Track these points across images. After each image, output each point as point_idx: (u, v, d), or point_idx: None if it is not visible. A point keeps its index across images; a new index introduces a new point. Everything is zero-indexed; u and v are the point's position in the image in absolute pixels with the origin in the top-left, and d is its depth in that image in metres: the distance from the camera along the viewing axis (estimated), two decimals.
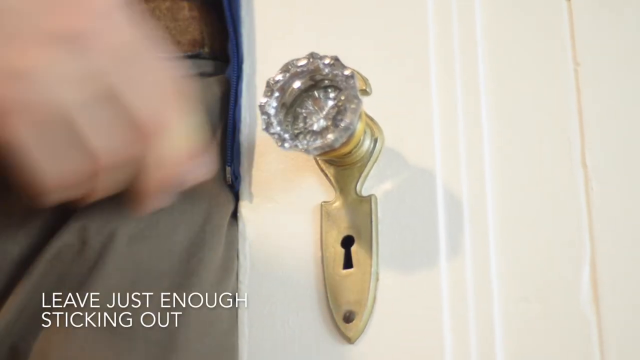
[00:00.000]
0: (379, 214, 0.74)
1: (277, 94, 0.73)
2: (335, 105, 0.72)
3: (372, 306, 0.72)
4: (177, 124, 0.66)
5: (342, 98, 0.71)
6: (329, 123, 0.72)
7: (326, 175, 0.76)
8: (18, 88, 0.60)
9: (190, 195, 0.76)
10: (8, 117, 0.61)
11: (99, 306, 0.70)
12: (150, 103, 0.63)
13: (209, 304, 0.73)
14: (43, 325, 0.71)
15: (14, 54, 0.60)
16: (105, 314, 0.70)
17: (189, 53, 0.81)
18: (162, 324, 0.71)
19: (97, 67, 0.61)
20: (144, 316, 0.71)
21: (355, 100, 0.70)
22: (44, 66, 0.60)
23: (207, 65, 0.82)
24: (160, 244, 0.73)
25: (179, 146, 0.67)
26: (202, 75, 0.81)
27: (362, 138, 0.74)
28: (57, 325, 0.70)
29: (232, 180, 0.78)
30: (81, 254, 0.72)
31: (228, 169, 0.78)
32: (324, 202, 0.75)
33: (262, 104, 0.72)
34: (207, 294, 0.73)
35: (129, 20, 0.63)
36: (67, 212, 0.74)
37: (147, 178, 0.66)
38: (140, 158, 0.65)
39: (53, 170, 0.63)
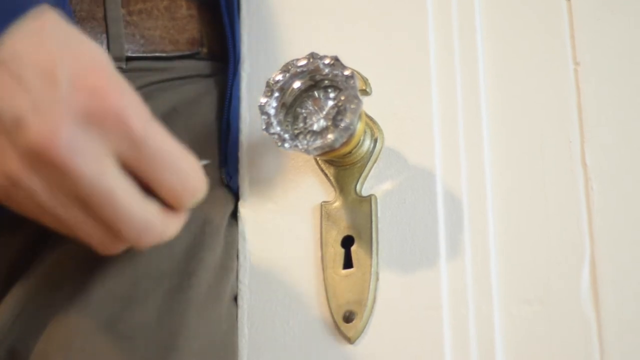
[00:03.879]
0: (379, 214, 0.74)
1: (277, 94, 0.73)
2: (335, 105, 0.72)
3: (372, 306, 0.72)
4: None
5: (342, 98, 0.71)
6: (329, 123, 0.72)
7: (326, 175, 0.76)
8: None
9: None
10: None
11: (98, 308, 0.70)
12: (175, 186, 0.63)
13: (208, 304, 0.73)
14: (42, 327, 0.71)
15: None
16: (105, 315, 0.70)
17: (188, 52, 0.81)
18: (162, 324, 0.71)
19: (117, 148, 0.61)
20: (144, 316, 0.71)
21: (355, 101, 0.70)
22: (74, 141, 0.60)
23: (205, 67, 0.81)
24: (159, 246, 0.73)
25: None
26: (200, 77, 0.81)
27: (362, 138, 0.74)
28: (57, 327, 0.70)
29: (227, 180, 0.78)
30: (80, 259, 0.72)
31: (222, 169, 0.78)
32: (324, 202, 0.75)
33: (262, 104, 0.72)
34: (206, 294, 0.73)
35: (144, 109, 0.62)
36: None
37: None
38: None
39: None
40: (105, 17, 0.77)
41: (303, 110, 0.73)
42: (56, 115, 0.59)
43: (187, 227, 0.74)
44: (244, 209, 0.78)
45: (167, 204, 0.64)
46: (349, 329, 0.72)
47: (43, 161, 0.59)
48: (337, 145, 0.70)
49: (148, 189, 0.63)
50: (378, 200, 0.74)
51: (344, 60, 0.71)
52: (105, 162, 0.60)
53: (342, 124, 0.70)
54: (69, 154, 0.59)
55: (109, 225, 0.62)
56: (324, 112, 0.72)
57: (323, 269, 0.74)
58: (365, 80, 0.76)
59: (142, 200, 0.62)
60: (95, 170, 0.60)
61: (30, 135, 0.58)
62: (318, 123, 0.72)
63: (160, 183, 0.62)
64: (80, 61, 0.60)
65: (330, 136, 0.70)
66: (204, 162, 0.66)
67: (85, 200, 0.61)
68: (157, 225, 0.63)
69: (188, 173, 0.63)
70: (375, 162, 0.75)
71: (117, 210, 0.61)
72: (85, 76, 0.60)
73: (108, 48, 0.77)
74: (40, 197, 0.61)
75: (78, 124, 0.59)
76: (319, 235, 0.75)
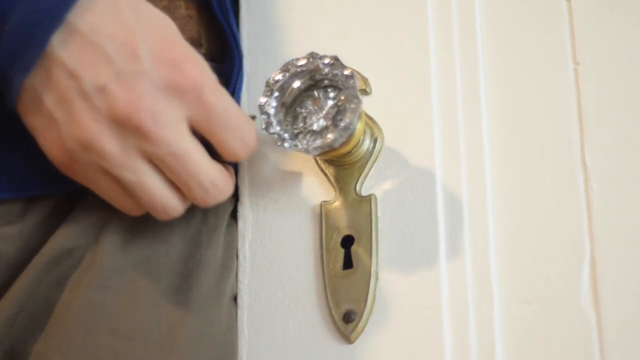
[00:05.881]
0: (379, 214, 0.74)
1: (276, 94, 0.73)
2: (335, 105, 0.72)
3: (372, 306, 0.72)
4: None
5: (342, 98, 0.71)
6: (329, 123, 0.72)
7: (326, 175, 0.76)
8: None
9: None
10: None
11: (97, 308, 0.70)
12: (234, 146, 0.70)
13: (208, 303, 0.73)
14: (41, 327, 0.70)
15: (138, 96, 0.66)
16: (104, 315, 0.70)
17: None
18: (160, 324, 0.71)
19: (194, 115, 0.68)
20: (143, 316, 0.71)
21: (355, 100, 0.70)
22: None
23: None
24: (156, 246, 0.73)
25: None
26: None
27: (361, 138, 0.74)
28: (56, 327, 0.70)
29: None
30: (80, 258, 0.72)
31: None
32: (324, 201, 0.75)
33: (262, 104, 0.72)
34: (206, 294, 0.73)
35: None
36: (63, 212, 0.74)
37: None
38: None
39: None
40: None
41: (303, 110, 0.73)
42: (140, 85, 0.65)
43: (183, 228, 0.74)
44: (244, 209, 0.78)
45: (224, 160, 0.71)
46: (348, 328, 0.72)
47: (127, 126, 0.65)
48: (337, 144, 0.70)
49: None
50: (378, 200, 0.74)
51: (344, 59, 0.71)
52: (181, 127, 0.67)
53: (342, 124, 0.70)
54: (152, 121, 0.65)
55: (179, 184, 0.69)
56: (324, 112, 0.72)
57: (323, 269, 0.74)
58: (365, 80, 0.76)
59: (210, 160, 0.69)
60: (174, 134, 0.66)
61: (117, 102, 0.65)
62: (318, 123, 0.72)
63: (223, 141, 0.69)
64: (156, 34, 0.67)
65: (330, 136, 0.70)
66: (251, 116, 0.74)
67: (161, 162, 0.67)
68: (221, 183, 0.70)
69: (246, 131, 0.70)
70: (375, 161, 0.75)
71: (191, 169, 0.68)
72: (164, 49, 0.67)
73: None
74: (111, 160, 0.66)
75: (159, 93, 0.66)
76: (318, 235, 0.75)
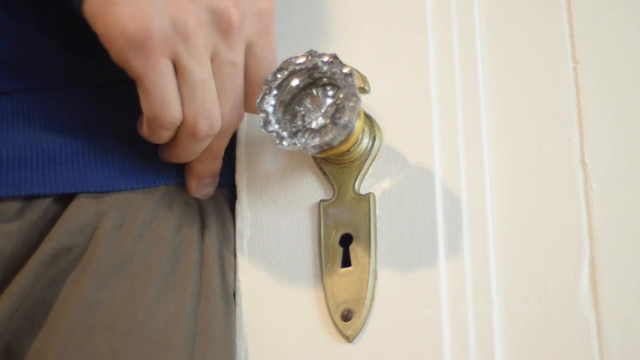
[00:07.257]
0: (378, 213, 0.74)
1: (275, 92, 0.72)
2: (334, 103, 0.72)
3: (371, 305, 0.72)
4: None
5: (341, 96, 0.71)
6: (328, 121, 0.72)
7: (324, 173, 0.76)
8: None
9: (177, 197, 0.76)
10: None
11: (95, 306, 0.70)
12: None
13: (206, 301, 0.73)
14: (39, 325, 0.70)
15: None
16: (102, 313, 0.70)
17: None
18: (158, 321, 0.71)
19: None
20: (140, 314, 0.71)
21: (354, 99, 0.70)
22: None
23: None
24: (153, 243, 0.73)
25: None
26: None
27: (360, 136, 0.74)
28: (54, 325, 0.70)
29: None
30: (77, 256, 0.72)
31: None
32: (322, 200, 0.75)
33: (260, 102, 0.72)
34: (204, 292, 0.73)
35: None
36: (60, 210, 0.74)
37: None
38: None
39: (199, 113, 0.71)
40: None
41: (301, 108, 0.73)
42: None
43: (178, 225, 0.74)
44: (242, 207, 0.78)
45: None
46: (347, 327, 0.72)
47: (219, 18, 0.69)
48: (336, 143, 0.70)
49: None
50: (377, 199, 0.74)
51: (343, 58, 0.71)
52: (244, 44, 0.72)
53: (341, 122, 0.70)
54: (240, 23, 0.70)
55: (222, 95, 0.71)
56: (323, 110, 0.72)
57: (321, 268, 0.74)
58: (363, 78, 0.76)
59: None
60: (243, 45, 0.71)
61: None
62: (316, 121, 0.72)
63: (259, 78, 0.73)
64: None
65: (329, 134, 0.70)
66: None
67: (221, 68, 0.71)
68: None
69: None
70: (373, 160, 0.75)
71: (238, 82, 0.71)
72: None
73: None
74: (192, 47, 0.69)
75: (248, 4, 0.70)
76: (317, 234, 0.75)
